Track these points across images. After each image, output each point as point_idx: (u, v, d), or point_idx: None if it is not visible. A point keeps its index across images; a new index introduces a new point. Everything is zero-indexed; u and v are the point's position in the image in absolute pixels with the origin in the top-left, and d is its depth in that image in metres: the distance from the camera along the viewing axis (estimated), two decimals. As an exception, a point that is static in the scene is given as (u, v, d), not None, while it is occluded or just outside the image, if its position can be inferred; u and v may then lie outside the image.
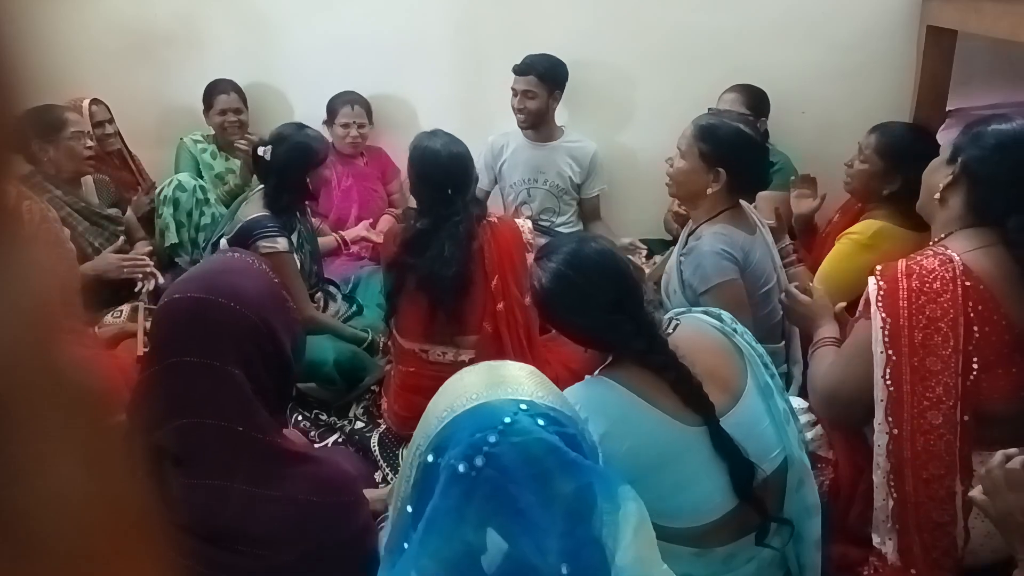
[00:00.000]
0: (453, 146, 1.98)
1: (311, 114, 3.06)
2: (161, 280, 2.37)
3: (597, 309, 1.26)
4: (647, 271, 2.20)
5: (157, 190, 2.77)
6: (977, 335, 1.25)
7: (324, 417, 2.21)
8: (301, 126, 2.36)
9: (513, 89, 2.75)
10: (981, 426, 1.26)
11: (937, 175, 1.42)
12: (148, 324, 2.12)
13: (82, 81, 2.83)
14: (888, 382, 1.28)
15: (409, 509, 0.86)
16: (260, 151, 2.26)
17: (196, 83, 3.05)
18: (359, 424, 2.20)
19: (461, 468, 0.80)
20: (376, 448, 2.07)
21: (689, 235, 1.95)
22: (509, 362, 0.98)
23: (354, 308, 2.55)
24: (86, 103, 2.72)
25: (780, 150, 2.65)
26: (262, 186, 2.32)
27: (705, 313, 1.40)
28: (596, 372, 1.31)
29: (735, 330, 1.35)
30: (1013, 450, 1.08)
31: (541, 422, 0.84)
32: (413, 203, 2.16)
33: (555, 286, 1.30)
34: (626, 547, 0.82)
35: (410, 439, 0.94)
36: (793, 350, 1.99)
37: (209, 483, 1.18)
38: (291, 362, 1.30)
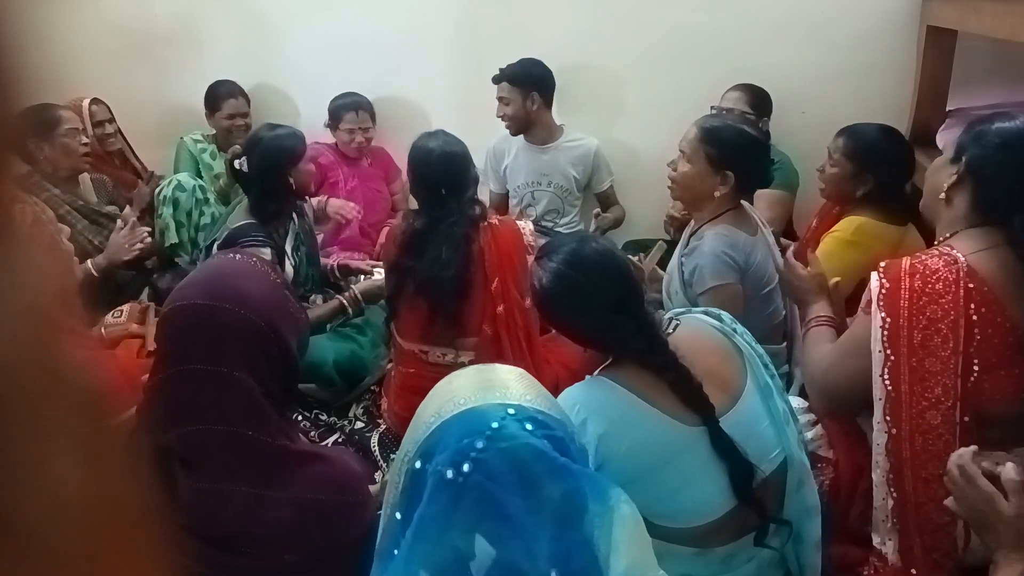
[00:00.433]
0: (450, 146, 1.97)
1: (312, 114, 3.07)
2: (148, 238, 2.37)
3: (597, 309, 1.26)
4: (647, 271, 2.20)
5: (157, 190, 2.76)
6: (979, 337, 1.24)
7: (324, 417, 2.21)
8: (272, 126, 2.30)
9: (497, 97, 2.77)
10: (983, 427, 1.25)
11: (941, 174, 1.41)
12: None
13: (82, 81, 2.83)
14: (887, 381, 1.28)
15: (398, 516, 0.86)
16: (236, 164, 2.22)
17: (196, 83, 3.05)
18: (359, 424, 2.20)
19: (449, 474, 0.80)
20: (376, 448, 2.07)
21: (691, 235, 1.95)
22: (498, 365, 0.97)
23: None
24: (86, 103, 2.72)
25: (781, 150, 2.65)
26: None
27: (705, 313, 1.40)
28: (596, 372, 1.31)
29: (735, 330, 1.35)
30: (962, 449, 1.10)
31: (529, 426, 0.84)
32: (414, 204, 2.16)
33: (555, 286, 1.29)
34: (621, 552, 0.81)
35: (402, 443, 0.93)
36: (795, 351, 1.99)
37: (217, 486, 1.18)
38: (296, 363, 1.30)
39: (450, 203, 1.94)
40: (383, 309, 2.30)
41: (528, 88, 2.73)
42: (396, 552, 0.84)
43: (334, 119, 2.99)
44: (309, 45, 3.09)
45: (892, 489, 1.29)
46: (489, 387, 0.89)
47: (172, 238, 2.64)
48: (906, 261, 1.32)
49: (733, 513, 1.22)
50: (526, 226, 2.09)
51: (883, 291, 1.30)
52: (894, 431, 1.27)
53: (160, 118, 3.22)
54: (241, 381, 1.18)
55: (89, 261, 2.28)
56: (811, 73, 2.75)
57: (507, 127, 2.79)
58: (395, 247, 2.00)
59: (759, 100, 2.61)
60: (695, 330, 1.34)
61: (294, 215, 2.37)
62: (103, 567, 0.25)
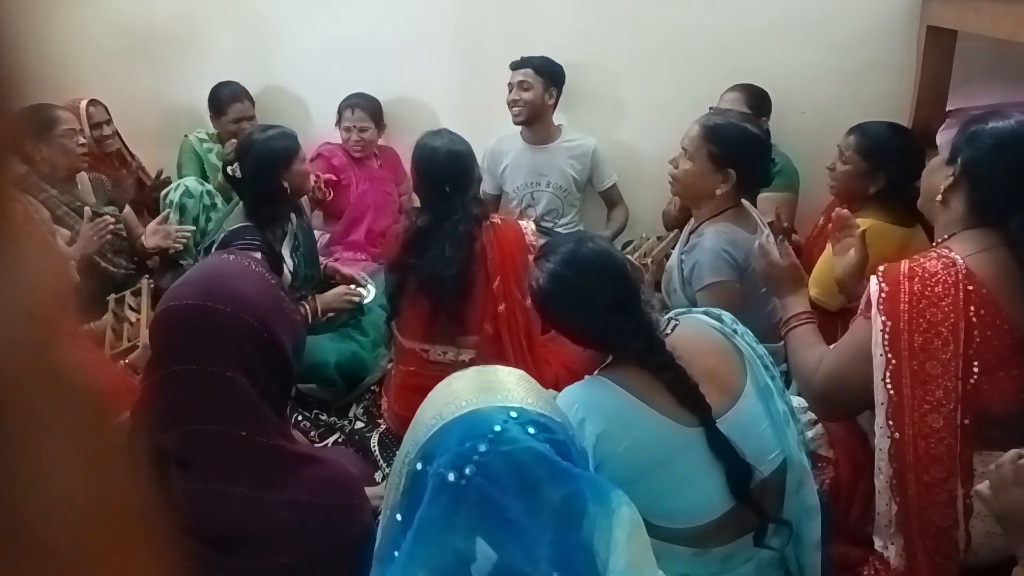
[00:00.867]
0: (455, 144, 1.97)
1: (312, 114, 3.07)
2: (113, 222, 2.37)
3: (595, 309, 1.26)
4: (646, 265, 2.20)
5: (163, 192, 2.76)
6: (978, 339, 1.24)
7: (324, 417, 2.22)
8: (264, 128, 2.29)
9: (509, 84, 2.76)
10: (983, 428, 1.25)
11: (937, 176, 1.40)
12: (120, 322, 2.12)
13: (82, 81, 2.83)
14: (888, 386, 1.27)
15: (399, 517, 0.86)
16: (230, 171, 2.20)
17: (196, 83, 3.05)
18: (359, 424, 2.20)
19: (450, 477, 0.80)
20: (376, 448, 2.07)
21: (691, 233, 1.95)
22: (499, 367, 0.97)
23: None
24: (83, 104, 2.71)
25: (781, 151, 2.65)
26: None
27: (706, 314, 1.40)
28: (595, 372, 1.31)
29: (736, 331, 1.35)
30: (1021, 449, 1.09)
31: (531, 430, 0.84)
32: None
33: (553, 286, 1.29)
34: (619, 553, 0.81)
35: (402, 444, 0.93)
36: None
37: (214, 488, 1.18)
38: (292, 362, 1.30)
39: (454, 201, 1.94)
40: (384, 309, 2.30)
41: (549, 81, 2.76)
42: (396, 554, 0.83)
43: (338, 117, 3.00)
44: (309, 45, 3.09)
45: (895, 494, 1.29)
46: (490, 389, 0.89)
47: (180, 247, 2.63)
48: (904, 264, 1.31)
49: (731, 513, 1.22)
50: (528, 226, 2.10)
51: (882, 295, 1.30)
52: (897, 436, 1.27)
53: (160, 118, 3.22)
54: (235, 382, 1.18)
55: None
56: (811, 73, 2.75)
57: (517, 114, 2.77)
58: (398, 245, 2.01)
59: (758, 100, 2.60)
60: (694, 330, 1.34)
61: (291, 215, 2.36)
62: (103, 567, 0.25)
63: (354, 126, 2.96)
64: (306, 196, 2.87)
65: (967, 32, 2.34)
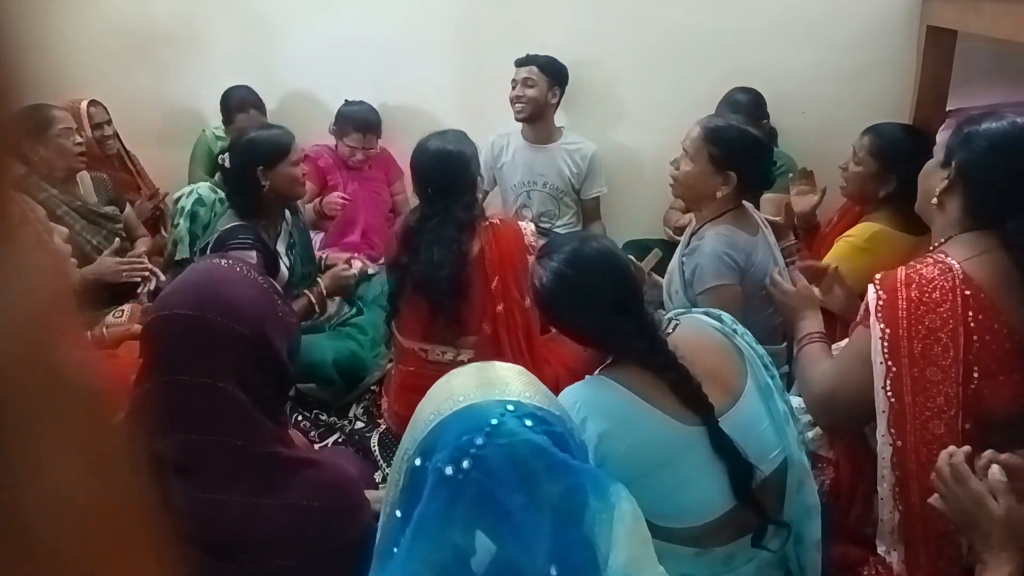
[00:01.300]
0: (448, 146, 1.96)
1: (312, 114, 3.07)
2: (163, 278, 2.37)
3: (597, 308, 1.26)
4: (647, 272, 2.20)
5: (175, 197, 2.75)
6: (977, 344, 1.23)
7: (324, 417, 2.22)
8: (265, 125, 2.29)
9: (513, 81, 2.76)
10: (984, 432, 1.24)
11: (933, 179, 1.39)
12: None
13: (82, 81, 2.83)
14: (889, 393, 1.27)
15: (398, 514, 0.86)
16: (220, 159, 2.20)
17: (196, 83, 3.06)
18: (359, 424, 2.20)
19: (448, 471, 0.80)
20: (376, 448, 2.07)
21: (692, 235, 1.95)
22: (497, 363, 0.97)
23: (354, 310, 2.54)
24: (84, 105, 2.71)
25: (784, 151, 2.65)
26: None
27: (706, 314, 1.40)
28: (596, 372, 1.31)
29: (735, 331, 1.35)
30: (952, 447, 1.10)
31: (528, 423, 0.83)
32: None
33: (556, 285, 1.29)
34: (619, 548, 0.81)
35: (401, 441, 0.93)
36: (795, 352, 1.99)
37: (211, 495, 1.17)
38: (288, 367, 1.29)
39: (436, 203, 1.94)
40: (383, 309, 2.31)
41: (553, 81, 2.77)
42: (395, 550, 0.83)
43: (340, 129, 2.98)
44: (309, 45, 3.09)
45: (898, 502, 1.28)
46: (488, 384, 0.89)
47: (184, 252, 2.62)
48: (901, 271, 1.30)
49: (733, 513, 1.22)
50: (527, 226, 2.09)
51: (880, 302, 1.29)
52: (899, 443, 1.26)
53: (160, 119, 3.23)
54: (229, 392, 1.16)
55: (80, 271, 2.28)
56: (811, 73, 2.75)
57: (520, 111, 2.77)
58: (395, 243, 2.02)
59: (756, 104, 2.60)
60: (695, 330, 1.34)
61: (287, 214, 2.35)
62: (103, 566, 0.25)
63: (361, 147, 2.96)
64: (310, 205, 2.89)
65: (967, 32, 2.34)
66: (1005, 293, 1.25)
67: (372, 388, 2.33)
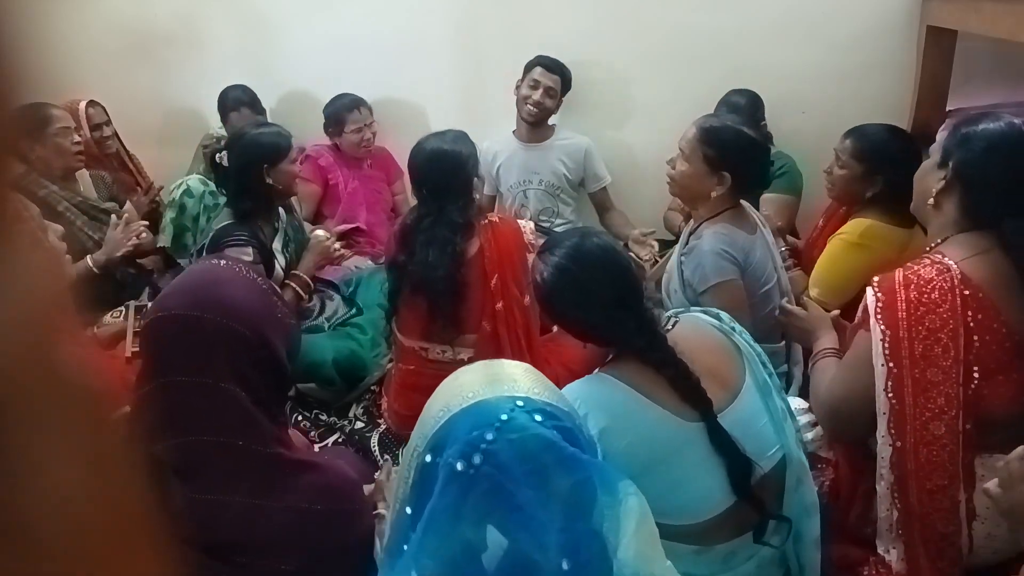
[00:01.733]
0: (445, 146, 1.96)
1: (311, 115, 3.06)
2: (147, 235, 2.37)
3: (598, 304, 1.27)
4: (648, 269, 2.20)
5: (168, 189, 2.76)
6: (977, 344, 1.23)
7: (324, 417, 2.21)
8: (260, 123, 2.29)
9: (536, 81, 2.76)
10: (983, 432, 1.25)
11: (929, 180, 1.39)
12: (138, 324, 2.12)
13: (82, 81, 2.82)
14: (890, 394, 1.27)
15: (408, 510, 0.86)
16: (217, 158, 2.18)
17: (196, 83, 3.05)
18: (359, 424, 2.20)
19: (459, 466, 0.80)
20: (376, 448, 2.07)
21: (690, 234, 1.95)
22: (505, 360, 0.98)
23: (353, 310, 2.54)
24: (82, 105, 2.70)
25: (787, 153, 2.64)
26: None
27: (704, 312, 1.40)
28: (596, 370, 1.31)
29: (733, 328, 1.36)
30: None
31: (538, 418, 0.84)
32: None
33: (556, 280, 1.30)
34: (628, 542, 0.82)
35: (410, 439, 0.93)
36: (793, 350, 1.99)
37: (211, 497, 1.17)
38: (287, 368, 1.28)
39: (431, 203, 1.94)
40: (382, 308, 2.31)
41: (564, 87, 2.80)
42: (406, 547, 0.84)
43: (336, 123, 2.97)
44: (309, 45, 3.09)
45: (897, 501, 1.28)
46: (497, 381, 0.89)
47: (165, 242, 2.63)
48: (899, 273, 1.30)
49: (732, 510, 1.22)
50: (527, 225, 2.10)
51: (879, 304, 1.29)
52: (898, 444, 1.26)
53: (160, 119, 3.22)
54: (228, 392, 1.16)
55: (88, 257, 2.27)
56: (811, 73, 2.75)
57: (533, 115, 2.78)
58: (394, 243, 2.02)
59: (754, 105, 2.60)
60: (694, 327, 1.35)
61: (281, 212, 2.34)
62: (103, 566, 0.25)
63: (364, 124, 2.95)
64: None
65: (967, 32, 2.34)
66: (1003, 293, 1.25)
67: (372, 388, 2.33)
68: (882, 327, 1.28)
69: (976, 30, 2.13)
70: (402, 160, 2.99)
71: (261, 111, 3.01)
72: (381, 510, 1.27)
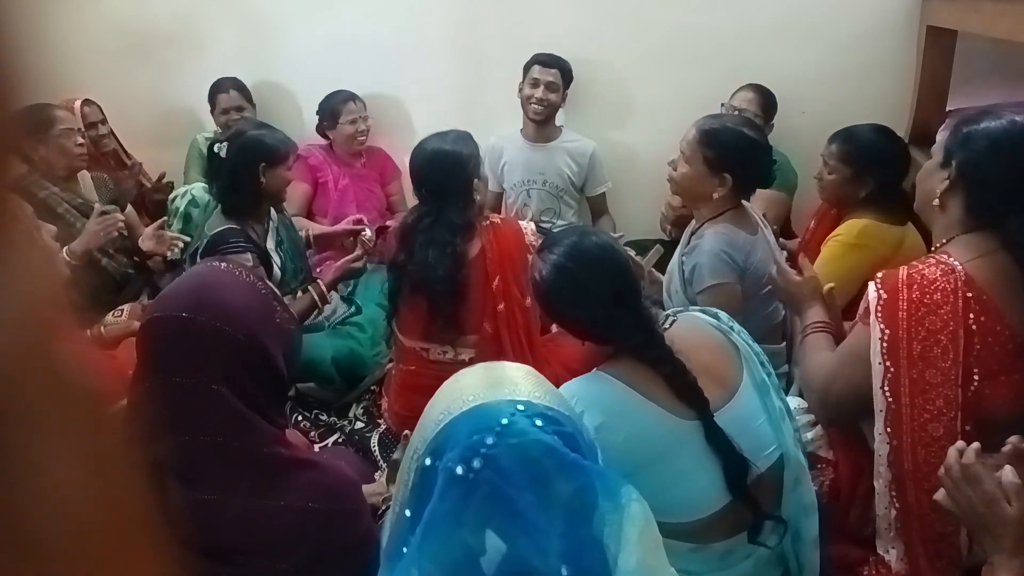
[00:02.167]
0: (447, 146, 1.95)
1: (311, 115, 3.06)
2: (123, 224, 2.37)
3: (596, 302, 1.27)
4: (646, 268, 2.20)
5: (170, 198, 2.75)
6: (978, 347, 1.22)
7: (324, 417, 2.22)
8: (263, 125, 2.28)
9: (536, 79, 2.76)
10: (984, 433, 1.24)
11: (932, 180, 1.38)
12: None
13: (82, 81, 2.82)
14: (887, 393, 1.26)
15: (408, 513, 0.86)
16: (216, 148, 2.18)
17: (196, 83, 3.05)
18: (359, 424, 2.20)
19: (459, 470, 0.80)
20: (376, 448, 2.07)
21: (692, 234, 1.95)
22: (506, 363, 0.97)
23: (352, 309, 2.54)
24: (78, 104, 2.70)
25: (780, 150, 2.64)
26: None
27: (702, 311, 1.41)
28: (594, 369, 1.31)
29: (732, 328, 1.36)
30: (961, 443, 1.07)
31: (539, 422, 0.83)
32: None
33: (554, 278, 1.30)
34: (630, 550, 0.81)
35: (410, 441, 0.93)
36: (794, 351, 1.99)
37: (209, 497, 1.17)
38: (283, 372, 1.28)
39: (431, 203, 1.94)
40: (382, 308, 2.31)
41: (566, 84, 2.81)
42: (405, 550, 0.83)
43: (332, 116, 2.96)
44: (309, 45, 3.09)
45: (895, 500, 1.28)
46: (498, 384, 0.89)
47: (175, 254, 2.62)
48: (903, 271, 1.30)
49: (728, 509, 1.23)
50: (528, 226, 2.09)
51: (881, 302, 1.29)
52: (895, 443, 1.26)
53: (160, 118, 3.22)
54: (221, 395, 1.16)
55: (65, 249, 2.25)
56: (811, 73, 2.75)
57: (538, 112, 2.78)
58: (394, 242, 2.02)
59: (769, 103, 2.61)
60: (691, 326, 1.35)
61: (271, 211, 2.33)
62: (102, 567, 0.25)
63: (360, 116, 2.94)
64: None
65: (967, 32, 2.34)
66: (1007, 295, 1.25)
67: (372, 388, 2.33)
68: (881, 326, 1.27)
69: (976, 30, 2.13)
70: (401, 160, 3.00)
71: (249, 97, 3.01)
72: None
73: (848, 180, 2.12)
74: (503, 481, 0.79)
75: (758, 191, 2.20)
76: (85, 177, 2.59)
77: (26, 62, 0.23)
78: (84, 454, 0.25)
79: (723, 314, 1.39)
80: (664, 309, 1.74)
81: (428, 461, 0.85)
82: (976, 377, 1.23)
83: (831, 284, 1.68)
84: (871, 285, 1.33)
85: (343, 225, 2.69)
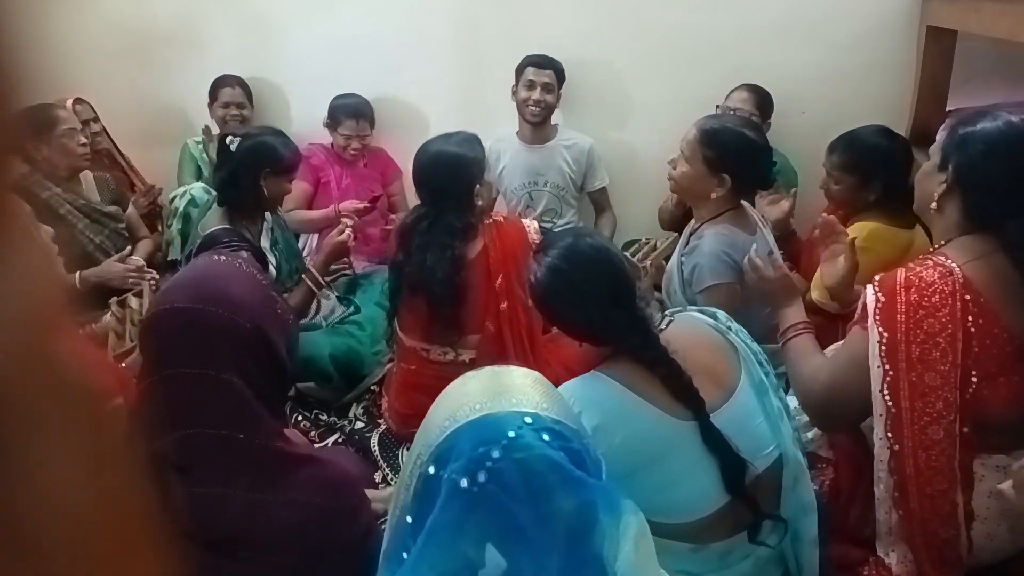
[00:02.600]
0: (450, 148, 1.95)
1: (311, 115, 3.06)
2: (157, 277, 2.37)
3: (591, 303, 1.27)
4: (645, 268, 2.21)
5: (169, 198, 2.76)
6: (976, 348, 1.22)
7: (324, 417, 2.21)
8: (279, 132, 2.29)
9: (531, 81, 2.76)
10: (983, 434, 1.24)
11: (930, 182, 1.38)
12: (121, 323, 2.11)
13: (82, 81, 2.83)
14: (887, 397, 1.26)
15: (409, 519, 0.85)
16: (228, 140, 2.21)
17: (196, 83, 3.05)
18: (359, 424, 2.20)
19: (463, 483, 0.79)
20: (376, 448, 2.07)
21: (691, 234, 1.95)
22: (513, 368, 0.96)
23: (351, 308, 2.54)
24: (69, 103, 2.70)
25: (780, 151, 2.64)
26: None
27: (700, 311, 1.41)
28: (592, 370, 1.31)
29: (730, 327, 1.36)
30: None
31: (546, 437, 0.82)
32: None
33: (550, 279, 1.30)
34: (625, 556, 0.81)
35: (411, 439, 0.92)
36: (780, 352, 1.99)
37: (212, 491, 1.17)
38: (286, 364, 1.29)
39: (429, 205, 1.94)
40: (382, 308, 2.30)
41: (559, 79, 2.80)
42: (405, 556, 0.83)
43: (333, 120, 2.97)
44: (309, 45, 3.09)
45: (896, 505, 1.27)
46: (505, 392, 0.87)
47: (176, 253, 2.63)
48: (901, 273, 1.29)
49: (727, 509, 1.23)
50: (531, 224, 2.09)
51: (879, 305, 1.28)
52: (896, 448, 1.25)
53: (160, 118, 3.22)
54: (231, 384, 1.17)
55: (79, 273, 2.27)
56: (811, 73, 2.75)
57: (536, 114, 2.78)
58: (394, 242, 2.03)
59: (764, 102, 2.60)
60: (688, 326, 1.35)
61: (265, 212, 2.34)
62: (103, 567, 0.25)
63: (355, 135, 2.94)
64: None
65: (967, 32, 2.34)
66: (1004, 297, 1.24)
67: (372, 388, 2.33)
68: (880, 329, 1.27)
69: (976, 30, 2.13)
70: (401, 160, 3.00)
71: (250, 97, 3.03)
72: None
73: (854, 188, 2.11)
74: (507, 496, 0.78)
75: (762, 193, 2.20)
76: (87, 176, 2.59)
77: (27, 62, 0.23)
78: (84, 454, 0.25)
79: (721, 314, 1.39)
80: (665, 309, 1.74)
81: (432, 469, 0.84)
82: (974, 379, 1.22)
83: (854, 236, 1.65)
84: (868, 288, 1.32)
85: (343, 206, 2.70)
